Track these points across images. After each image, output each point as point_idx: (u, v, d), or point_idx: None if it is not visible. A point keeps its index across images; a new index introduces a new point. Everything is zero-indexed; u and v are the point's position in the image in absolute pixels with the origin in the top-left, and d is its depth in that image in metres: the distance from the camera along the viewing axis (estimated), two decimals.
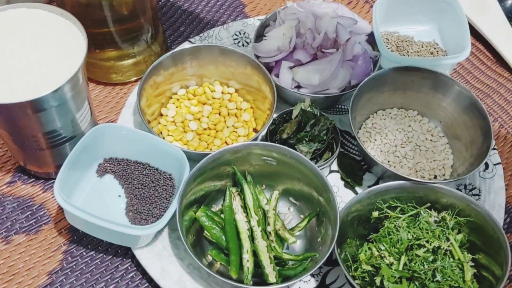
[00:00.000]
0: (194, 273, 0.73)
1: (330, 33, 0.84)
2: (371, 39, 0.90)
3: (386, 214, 0.74)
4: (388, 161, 0.84)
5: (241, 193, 0.76)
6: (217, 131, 0.84)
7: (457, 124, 0.86)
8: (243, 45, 0.97)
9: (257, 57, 0.87)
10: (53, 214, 0.79)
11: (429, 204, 0.75)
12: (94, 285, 0.73)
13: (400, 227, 0.71)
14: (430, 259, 0.69)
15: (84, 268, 0.74)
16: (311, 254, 0.72)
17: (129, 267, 0.75)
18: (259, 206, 0.75)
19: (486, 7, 1.07)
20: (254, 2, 1.07)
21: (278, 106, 0.84)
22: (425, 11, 0.99)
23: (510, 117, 0.95)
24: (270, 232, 0.73)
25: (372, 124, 0.88)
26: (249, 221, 0.73)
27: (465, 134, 0.84)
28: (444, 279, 0.68)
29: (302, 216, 0.79)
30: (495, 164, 0.85)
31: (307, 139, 0.79)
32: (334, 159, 0.81)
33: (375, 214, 0.75)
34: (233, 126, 0.85)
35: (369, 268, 0.70)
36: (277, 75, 0.87)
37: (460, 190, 0.81)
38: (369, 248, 0.72)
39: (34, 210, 0.79)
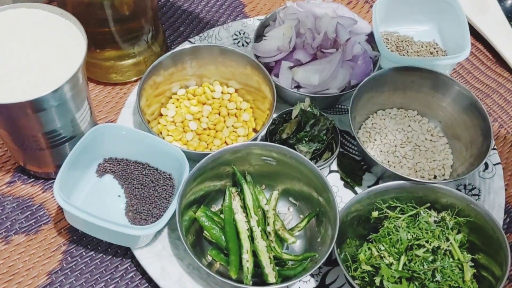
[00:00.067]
0: (193, 273, 0.73)
1: (330, 33, 0.84)
2: (371, 39, 0.90)
3: (386, 214, 0.74)
4: (388, 161, 0.84)
5: (241, 193, 0.76)
6: (216, 131, 0.84)
7: (457, 124, 0.86)
8: (243, 45, 0.97)
9: (257, 57, 0.87)
10: (53, 214, 0.79)
11: (428, 204, 0.75)
12: (94, 285, 0.73)
13: (399, 227, 0.71)
14: (430, 259, 0.69)
15: (84, 268, 0.74)
16: (311, 254, 0.72)
17: (128, 267, 0.75)
18: (258, 206, 0.75)
19: (486, 7, 1.07)
20: (254, 2, 1.07)
21: (278, 106, 0.84)
22: (425, 11, 0.99)
23: (510, 117, 0.95)
24: (269, 232, 0.73)
25: (372, 124, 0.88)
26: (248, 221, 0.73)
27: (465, 134, 0.84)
28: (444, 279, 0.68)
29: (301, 216, 0.79)
30: (494, 164, 0.85)
31: (306, 139, 0.79)
32: (334, 159, 0.81)
33: (375, 214, 0.75)
34: (232, 126, 0.85)
35: (368, 268, 0.70)
36: (277, 75, 0.87)
37: (460, 190, 0.81)
38: (369, 248, 0.72)
39: (34, 210, 0.79)
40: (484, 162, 0.77)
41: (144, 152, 0.79)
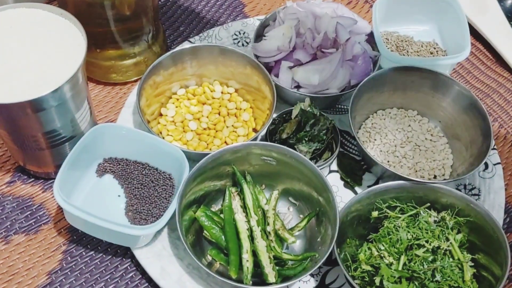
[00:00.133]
0: (193, 273, 0.73)
1: (330, 33, 0.84)
2: (370, 39, 0.90)
3: (386, 214, 0.74)
4: (388, 161, 0.84)
5: (241, 193, 0.76)
6: (216, 131, 0.84)
7: (457, 124, 0.86)
8: (242, 45, 0.97)
9: (257, 57, 0.87)
10: (53, 214, 0.79)
11: (428, 204, 0.75)
12: (94, 285, 0.73)
13: (399, 227, 0.71)
14: (430, 259, 0.69)
15: (84, 268, 0.74)
16: (311, 254, 0.72)
17: (128, 267, 0.75)
18: (258, 206, 0.75)
19: (486, 7, 1.07)
20: (254, 2, 1.07)
21: (278, 106, 0.84)
22: (425, 11, 0.99)
23: (510, 117, 0.95)
24: (269, 232, 0.73)
25: (372, 124, 0.88)
26: (248, 221, 0.73)
27: (464, 134, 0.84)
28: (444, 279, 0.68)
29: (301, 216, 0.79)
30: (494, 164, 0.85)
31: (306, 139, 0.79)
32: (334, 159, 0.81)
33: (375, 214, 0.75)
34: (232, 126, 0.85)
35: (368, 268, 0.70)
36: (277, 75, 0.87)
37: (460, 190, 0.81)
38: (369, 248, 0.72)
39: (34, 210, 0.79)
40: (484, 162, 0.77)
41: (144, 152, 0.79)
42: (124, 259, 0.76)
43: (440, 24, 0.99)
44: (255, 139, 0.80)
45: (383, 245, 0.71)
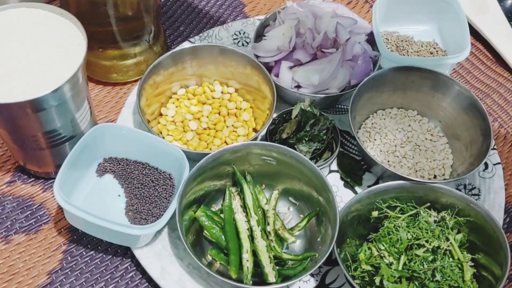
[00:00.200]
0: (193, 272, 0.73)
1: (330, 33, 0.84)
2: (370, 39, 0.90)
3: (386, 214, 0.74)
4: (388, 161, 0.84)
5: (241, 192, 0.76)
6: (216, 131, 0.84)
7: (457, 124, 0.86)
8: (242, 44, 0.97)
9: (257, 57, 0.87)
10: (53, 214, 0.79)
11: (428, 204, 0.75)
12: (94, 285, 0.73)
13: (399, 227, 0.71)
14: (430, 259, 0.69)
15: (84, 267, 0.75)
16: (311, 254, 0.72)
17: (128, 267, 0.75)
18: (258, 206, 0.75)
19: (486, 7, 1.07)
20: (254, 2, 1.07)
21: (278, 106, 0.84)
22: (425, 11, 0.99)
23: (510, 117, 0.95)
24: (269, 232, 0.73)
25: (372, 124, 0.88)
26: (248, 221, 0.73)
27: (464, 134, 0.84)
28: (444, 279, 0.68)
29: (301, 215, 0.79)
30: (494, 164, 0.85)
31: (306, 139, 0.79)
32: (334, 159, 0.81)
33: (375, 214, 0.75)
34: (232, 125, 0.85)
35: (368, 268, 0.70)
36: (277, 75, 0.87)
37: (460, 190, 0.81)
38: (369, 248, 0.72)
39: (34, 209, 0.79)
40: (484, 162, 0.77)
41: (144, 151, 0.79)
42: (124, 259, 0.76)
43: (440, 24, 0.99)
44: (255, 139, 0.80)
45: (383, 245, 0.71)
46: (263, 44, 0.88)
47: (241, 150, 0.76)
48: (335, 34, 0.85)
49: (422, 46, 0.96)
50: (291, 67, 0.86)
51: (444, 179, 0.82)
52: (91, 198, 0.77)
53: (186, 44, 0.94)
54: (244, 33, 0.98)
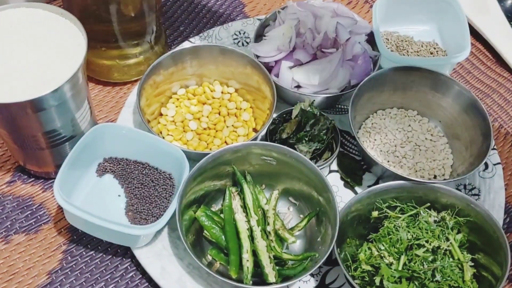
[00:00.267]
0: (193, 272, 0.73)
1: (330, 33, 0.84)
2: (371, 38, 0.90)
3: (386, 214, 0.74)
4: (388, 161, 0.84)
5: (241, 192, 0.76)
6: (216, 131, 0.84)
7: (457, 124, 0.86)
8: (242, 44, 0.97)
9: (257, 56, 0.87)
10: (53, 214, 0.79)
11: (428, 204, 0.75)
12: (94, 285, 0.73)
13: (399, 227, 0.71)
14: (430, 259, 0.69)
15: (84, 267, 0.74)
16: (311, 254, 0.72)
17: (128, 267, 0.75)
18: (258, 206, 0.75)
19: (486, 7, 1.07)
20: (254, 2, 1.07)
21: (278, 106, 0.84)
22: (425, 11, 0.99)
23: (510, 117, 0.95)
24: (269, 232, 0.73)
25: (372, 124, 0.88)
26: (248, 221, 0.73)
27: (464, 134, 0.84)
28: (444, 279, 0.68)
29: (301, 216, 0.79)
30: (494, 164, 0.85)
31: (306, 139, 0.79)
32: (334, 159, 0.81)
33: (375, 214, 0.75)
34: (232, 125, 0.85)
35: (368, 268, 0.70)
36: (277, 75, 0.87)
37: (460, 190, 0.81)
38: (369, 248, 0.72)
39: (34, 209, 0.79)
40: (484, 162, 0.77)
41: (144, 151, 0.79)
42: (124, 259, 0.76)
43: (440, 24, 0.99)
44: (255, 139, 0.80)
45: (383, 245, 0.71)
46: (263, 44, 0.88)
47: (241, 150, 0.76)
48: (335, 34, 0.85)
49: (422, 46, 0.96)
50: (291, 67, 0.86)
51: (444, 179, 0.82)
52: (91, 198, 0.77)
53: (186, 44, 0.94)
54: (244, 33, 0.98)
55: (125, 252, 0.76)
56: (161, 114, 0.86)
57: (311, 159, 0.79)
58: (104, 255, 0.76)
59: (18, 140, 0.73)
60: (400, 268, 0.68)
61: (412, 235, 0.70)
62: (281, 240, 0.75)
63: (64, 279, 0.73)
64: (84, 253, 0.76)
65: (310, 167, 0.75)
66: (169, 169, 0.79)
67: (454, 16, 0.93)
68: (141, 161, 0.80)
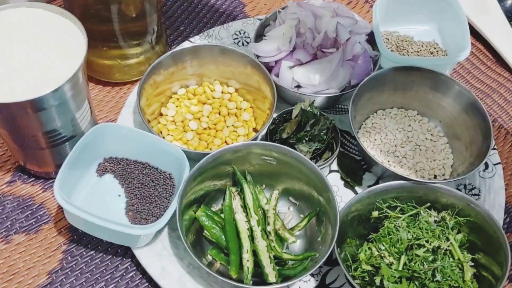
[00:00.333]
0: (194, 272, 0.73)
1: (330, 33, 0.84)
2: (371, 38, 0.90)
3: (386, 214, 0.74)
4: (388, 161, 0.84)
5: (241, 192, 0.76)
6: (217, 131, 0.84)
7: (457, 124, 0.86)
8: (243, 44, 0.97)
9: (257, 56, 0.87)
10: (53, 214, 0.79)
11: (429, 204, 0.75)
12: (94, 285, 0.73)
13: (400, 227, 0.71)
14: (430, 259, 0.69)
15: (84, 267, 0.74)
16: (311, 254, 0.72)
17: (129, 267, 0.75)
18: (259, 206, 0.75)
19: (486, 7, 1.07)
20: (254, 2, 1.07)
21: (278, 105, 0.84)
22: (425, 11, 0.99)
23: (510, 117, 0.95)
24: (270, 232, 0.73)
25: (372, 124, 0.88)
26: (249, 221, 0.73)
27: (465, 134, 0.84)
28: (444, 279, 0.68)
29: (302, 215, 0.79)
30: (495, 164, 0.85)
31: (307, 139, 0.79)
32: (334, 158, 0.81)
33: (375, 214, 0.75)
34: (233, 125, 0.85)
35: (369, 268, 0.70)
36: (277, 75, 0.87)
37: (460, 190, 0.81)
38: (369, 248, 0.72)
39: (34, 209, 0.79)
40: (484, 162, 0.77)
41: (144, 151, 0.79)
42: (124, 259, 0.76)
43: (440, 24, 0.99)
44: (255, 138, 0.80)
45: (383, 245, 0.71)
46: (263, 44, 0.88)
47: (241, 150, 0.76)
48: (335, 34, 0.85)
49: (422, 46, 0.96)
50: (291, 67, 0.86)
51: (444, 179, 0.82)
52: (91, 198, 0.77)
53: (186, 44, 0.94)
54: (244, 32, 0.98)
55: (125, 252, 0.76)
56: (161, 114, 0.86)
57: (311, 159, 0.79)
58: (104, 255, 0.76)
59: (18, 140, 0.73)
60: (400, 268, 0.68)
61: (412, 235, 0.70)
62: (281, 240, 0.75)
63: (64, 279, 0.73)
64: (84, 253, 0.76)
65: (310, 167, 0.75)
66: (169, 169, 0.79)
67: (454, 16, 0.93)
68: (141, 161, 0.80)
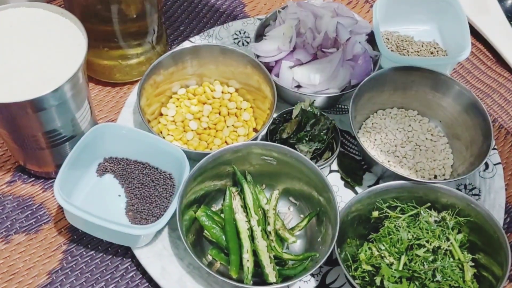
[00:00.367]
0: (194, 272, 0.73)
1: (330, 33, 0.84)
2: (371, 38, 0.90)
3: (386, 214, 0.74)
4: (388, 161, 0.84)
5: (241, 192, 0.76)
6: (217, 131, 0.84)
7: (457, 124, 0.86)
8: (243, 44, 0.97)
9: (257, 56, 0.87)
10: (53, 214, 0.79)
11: (429, 204, 0.75)
12: (94, 285, 0.73)
13: (400, 227, 0.71)
14: (430, 259, 0.69)
15: (84, 267, 0.74)
16: (311, 254, 0.72)
17: (129, 267, 0.75)
18: (259, 206, 0.75)
19: (486, 7, 1.07)
20: (254, 2, 1.07)
21: (278, 105, 0.83)
22: (425, 11, 0.99)
23: (510, 117, 0.95)
24: (270, 232, 0.73)
25: (372, 123, 0.88)
26: (249, 221, 0.73)
27: (465, 134, 0.84)
28: (444, 279, 0.68)
29: (302, 215, 0.79)
30: (495, 164, 0.85)
31: (307, 139, 0.79)
32: (334, 158, 0.81)
33: (375, 214, 0.75)
34: (233, 125, 0.85)
35: (369, 268, 0.70)
36: (277, 75, 0.87)
37: (460, 190, 0.81)
38: (369, 248, 0.72)
39: (34, 209, 0.79)
40: (484, 162, 0.77)
41: (145, 151, 0.79)
42: (124, 259, 0.76)
43: (440, 24, 0.99)
44: (255, 138, 0.80)
45: (383, 245, 0.71)
46: (263, 43, 0.87)
47: (241, 150, 0.76)
48: (335, 34, 0.85)
49: (422, 46, 0.96)
50: (291, 67, 0.86)
51: (445, 179, 0.82)
52: (91, 198, 0.77)
53: (186, 44, 0.94)
54: (244, 32, 0.98)
55: (125, 252, 0.76)
56: (161, 114, 0.86)
57: (311, 159, 0.79)
58: (104, 255, 0.76)
59: (18, 140, 0.73)
60: (400, 268, 0.68)
61: (412, 235, 0.70)
62: (281, 240, 0.75)
63: (64, 279, 0.73)
64: (84, 253, 0.76)
65: (310, 167, 0.75)
66: (170, 169, 0.79)
67: (455, 16, 0.93)
68: (142, 161, 0.80)
